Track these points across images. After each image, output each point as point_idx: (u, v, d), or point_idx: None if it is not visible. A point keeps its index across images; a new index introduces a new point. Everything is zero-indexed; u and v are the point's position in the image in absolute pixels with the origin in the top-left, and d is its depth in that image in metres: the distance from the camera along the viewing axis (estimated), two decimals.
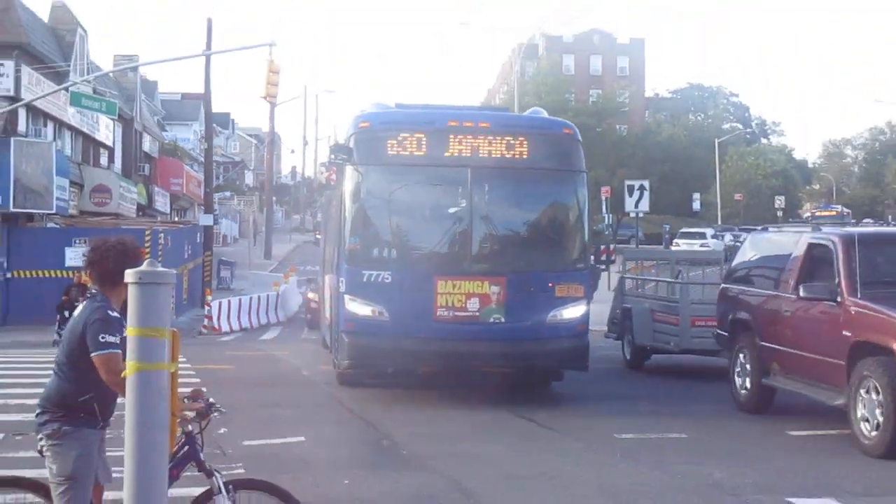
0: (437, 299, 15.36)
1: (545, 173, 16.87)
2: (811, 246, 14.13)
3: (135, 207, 48.39)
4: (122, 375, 5.76)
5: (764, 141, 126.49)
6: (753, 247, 17.38)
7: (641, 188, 36.83)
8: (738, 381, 15.59)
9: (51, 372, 6.29)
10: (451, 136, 16.04)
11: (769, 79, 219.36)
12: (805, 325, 14.02)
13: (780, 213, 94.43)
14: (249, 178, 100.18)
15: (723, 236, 70.89)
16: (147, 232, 32.97)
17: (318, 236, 47.06)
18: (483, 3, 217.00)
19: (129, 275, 3.93)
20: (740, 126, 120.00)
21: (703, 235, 67.64)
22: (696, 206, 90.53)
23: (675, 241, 59.93)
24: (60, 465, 6.06)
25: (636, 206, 37.43)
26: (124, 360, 5.69)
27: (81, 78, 37.73)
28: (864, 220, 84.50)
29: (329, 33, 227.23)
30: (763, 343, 14.83)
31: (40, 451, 6.19)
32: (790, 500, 10.22)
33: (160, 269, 4.05)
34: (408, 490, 10.78)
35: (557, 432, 14.00)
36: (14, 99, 32.99)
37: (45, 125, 38.54)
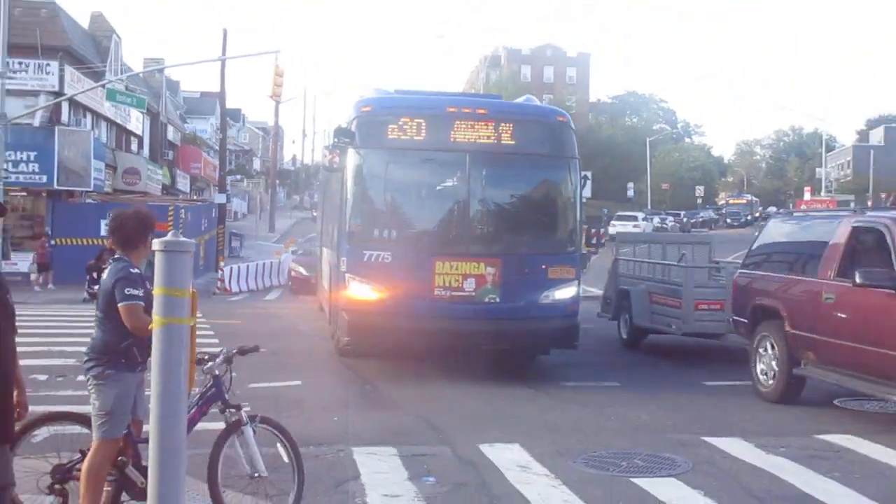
0: (435, 279, 13.74)
1: (539, 159, 15.13)
2: (856, 231, 11.73)
3: (160, 187, 48.38)
4: (146, 324, 5.82)
5: (687, 140, 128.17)
6: (777, 232, 14.68)
7: (584, 177, 36.64)
8: (759, 368, 13.05)
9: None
10: (450, 122, 14.42)
11: (693, 87, 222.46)
12: (853, 313, 11.25)
13: (699, 201, 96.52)
14: (257, 164, 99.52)
15: (651, 218, 72.48)
16: (170, 208, 32.97)
17: (315, 214, 46.70)
18: (457, 19, 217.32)
19: (157, 243, 3.97)
20: (668, 127, 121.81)
21: (635, 218, 67.69)
22: (630, 193, 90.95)
23: (612, 222, 58.20)
24: (102, 401, 6.10)
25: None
26: (147, 311, 5.78)
27: (116, 77, 37.96)
28: (770, 208, 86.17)
29: (325, 40, 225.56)
30: (794, 331, 12.26)
31: (88, 391, 6.22)
32: (704, 438, 10.39)
33: (182, 238, 4.09)
34: (386, 425, 10.88)
35: (515, 381, 14.05)
36: (58, 94, 33.07)
37: (85, 116, 38.56)
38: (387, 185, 14.66)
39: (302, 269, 30.78)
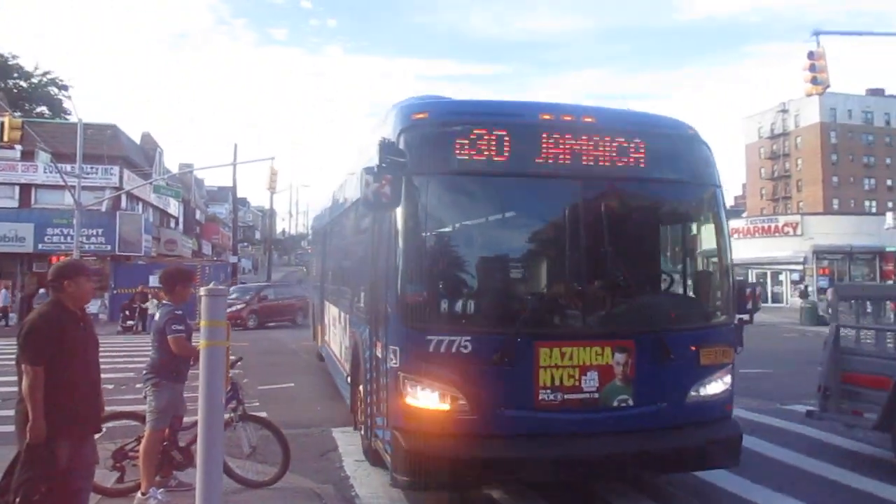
0: (539, 376, 6.03)
1: (676, 188, 7.04)
2: None
3: (190, 252, 47.63)
4: (189, 349, 5.75)
5: None
6: None
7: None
8: None
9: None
10: (546, 135, 6.44)
11: None
12: None
13: None
14: (258, 235, 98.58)
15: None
16: (198, 266, 32.55)
17: (304, 269, 45.49)
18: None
19: (203, 290, 3.83)
20: None
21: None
22: None
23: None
24: (157, 402, 5.92)
25: None
26: (188, 339, 5.73)
27: (159, 177, 37.66)
28: None
29: (308, 145, 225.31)
30: None
31: (145, 396, 6.02)
32: None
33: (220, 287, 3.98)
34: None
35: None
36: (118, 189, 32.85)
37: (137, 204, 37.92)
38: (459, 232, 6.62)
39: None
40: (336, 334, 10.79)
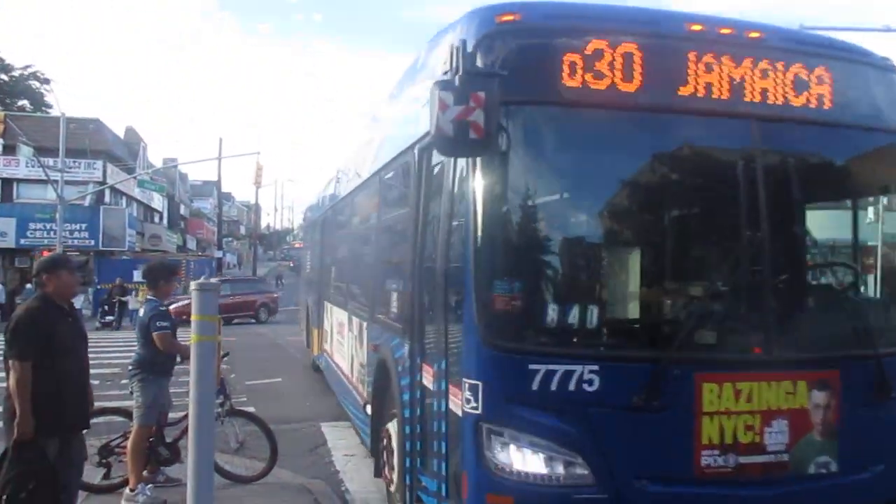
0: (703, 427, 3.38)
1: (876, 138, 3.94)
2: None
3: (175, 247, 47.26)
4: (173, 345, 5.71)
5: None
6: None
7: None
8: None
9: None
10: (696, 55, 3.60)
11: None
12: None
13: None
14: (243, 230, 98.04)
15: None
16: (182, 261, 32.56)
17: (291, 264, 44.52)
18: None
19: (194, 284, 3.81)
20: None
21: None
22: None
23: None
24: (144, 398, 5.85)
25: None
26: (174, 335, 5.70)
27: (143, 171, 37.33)
28: None
29: (294, 139, 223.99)
30: None
31: (131, 391, 5.97)
32: None
33: (212, 281, 3.95)
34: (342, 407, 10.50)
35: None
36: (102, 183, 32.47)
37: (121, 198, 37.57)
38: (568, 201, 3.99)
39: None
40: (344, 345, 8.08)
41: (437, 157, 4.09)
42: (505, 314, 3.48)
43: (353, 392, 7.50)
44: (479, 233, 3.50)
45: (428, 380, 4.20)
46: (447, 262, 3.85)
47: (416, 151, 4.47)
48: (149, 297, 6.21)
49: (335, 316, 9.10)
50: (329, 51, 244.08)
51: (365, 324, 6.61)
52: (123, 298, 26.41)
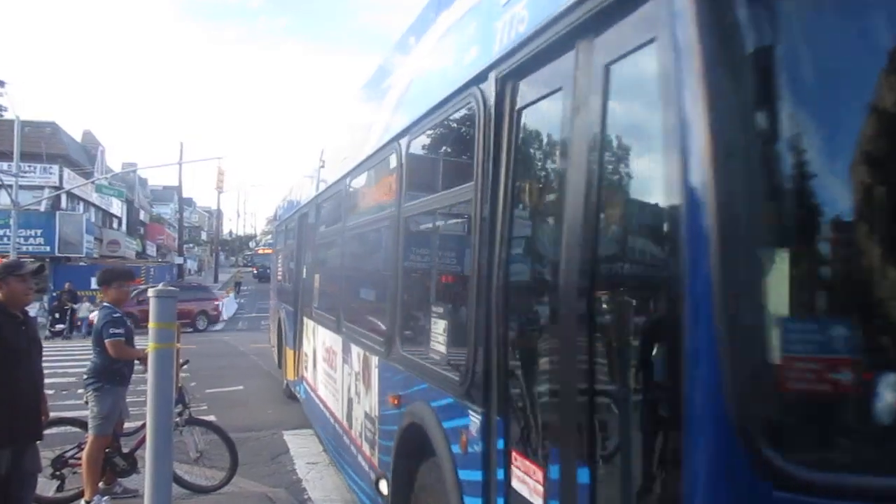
0: None
1: None
2: None
3: (134, 253, 46.25)
4: (126, 352, 5.60)
5: None
6: None
7: None
8: None
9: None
10: None
11: None
12: None
13: None
14: (204, 236, 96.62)
15: None
16: (142, 268, 31.83)
17: (255, 271, 42.99)
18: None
19: (152, 291, 3.72)
20: None
21: None
22: None
23: None
24: (100, 407, 5.70)
25: None
26: (129, 342, 5.58)
27: (101, 176, 36.51)
28: None
29: (258, 145, 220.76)
30: None
31: (86, 401, 5.80)
32: None
33: (170, 288, 3.86)
34: (305, 414, 10.37)
35: None
36: (58, 188, 31.63)
37: (78, 204, 36.72)
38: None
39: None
40: (336, 380, 6.08)
41: (548, 85, 2.37)
42: (811, 402, 1.51)
43: (352, 448, 5.29)
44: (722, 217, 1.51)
45: (534, 490, 2.26)
46: (589, 272, 1.99)
47: (494, 81, 2.73)
48: (104, 303, 6.08)
49: (320, 338, 7.05)
50: (295, 53, 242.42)
51: (375, 360, 4.48)
52: (75, 306, 25.27)
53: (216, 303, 29.52)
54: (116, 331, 5.71)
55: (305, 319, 8.33)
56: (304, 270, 8.62)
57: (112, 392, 5.78)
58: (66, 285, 26.28)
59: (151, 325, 3.57)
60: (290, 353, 10.00)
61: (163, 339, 3.57)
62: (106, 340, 5.68)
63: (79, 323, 24.74)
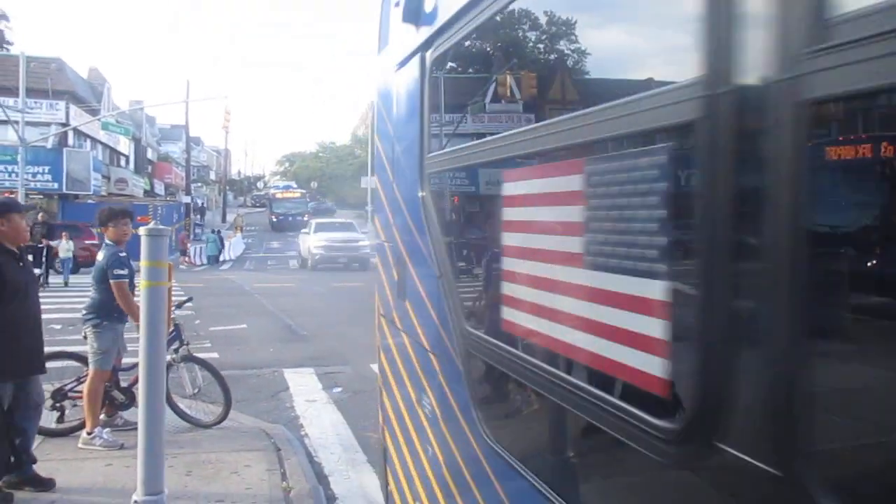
0: None
1: None
2: None
3: (142, 192, 46.14)
4: (127, 298, 5.58)
5: None
6: None
7: None
8: None
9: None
10: None
11: None
12: None
13: None
14: (212, 175, 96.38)
15: None
16: (150, 206, 31.85)
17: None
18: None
19: (143, 230, 3.68)
20: None
21: None
22: None
23: None
24: (100, 343, 5.73)
25: None
26: (131, 282, 5.57)
27: (108, 113, 36.07)
28: None
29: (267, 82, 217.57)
30: None
31: (84, 336, 5.83)
32: None
33: (161, 226, 3.82)
34: (306, 353, 10.47)
35: None
36: (65, 125, 31.15)
37: (85, 141, 36.30)
38: None
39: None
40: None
41: None
42: None
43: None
44: None
45: None
46: None
47: None
48: (107, 241, 6.06)
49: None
50: None
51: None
52: (52, 242, 20.22)
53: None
54: (121, 272, 5.69)
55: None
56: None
57: (111, 328, 5.79)
58: (39, 216, 20.95)
59: (143, 263, 3.55)
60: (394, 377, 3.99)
61: (155, 277, 3.56)
62: (112, 281, 5.67)
63: (59, 267, 20.04)
